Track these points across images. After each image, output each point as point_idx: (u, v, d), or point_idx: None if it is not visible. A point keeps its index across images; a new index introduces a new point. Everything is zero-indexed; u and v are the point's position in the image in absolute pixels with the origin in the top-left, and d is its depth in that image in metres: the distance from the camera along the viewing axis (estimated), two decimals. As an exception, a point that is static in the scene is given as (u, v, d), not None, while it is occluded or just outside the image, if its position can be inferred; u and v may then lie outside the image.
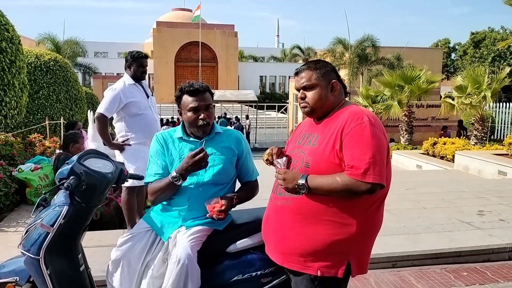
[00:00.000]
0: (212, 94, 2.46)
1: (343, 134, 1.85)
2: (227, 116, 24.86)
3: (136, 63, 3.95)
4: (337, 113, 1.97)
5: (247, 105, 27.40)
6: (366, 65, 29.33)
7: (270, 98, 38.83)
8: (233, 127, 21.35)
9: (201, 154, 2.18)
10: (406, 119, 14.71)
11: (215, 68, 38.77)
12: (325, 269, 1.87)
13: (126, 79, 3.95)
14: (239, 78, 39.71)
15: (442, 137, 12.81)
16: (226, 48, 38.36)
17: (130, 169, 3.81)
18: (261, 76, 43.10)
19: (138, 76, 3.99)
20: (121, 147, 3.88)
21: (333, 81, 2.00)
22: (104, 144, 6.51)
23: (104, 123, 3.84)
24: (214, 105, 2.54)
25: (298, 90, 2.05)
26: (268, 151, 2.09)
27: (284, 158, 2.01)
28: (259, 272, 2.23)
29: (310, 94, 2.00)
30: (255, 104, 25.11)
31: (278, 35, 76.66)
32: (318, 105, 1.99)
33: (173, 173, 2.24)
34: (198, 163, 2.18)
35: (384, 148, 1.85)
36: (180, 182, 2.25)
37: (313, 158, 1.91)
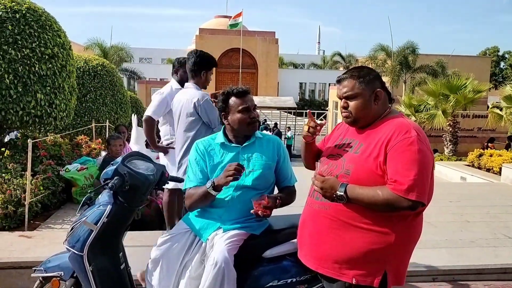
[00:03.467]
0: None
1: (389, 147, 1.81)
2: (267, 123, 24.91)
3: (183, 69, 4.03)
4: (382, 123, 1.92)
5: (286, 112, 27.36)
6: (409, 73, 28.65)
7: (310, 105, 38.63)
8: (273, 133, 21.37)
9: (237, 167, 2.19)
10: (450, 129, 14.22)
11: (255, 75, 39.04)
12: (360, 278, 1.83)
13: (173, 84, 4.07)
14: (279, 84, 39.78)
15: (489, 149, 12.30)
16: (267, 54, 38.56)
17: (173, 171, 3.91)
18: (300, 83, 43.02)
19: (185, 81, 4.09)
20: (165, 150, 3.99)
21: (377, 90, 1.93)
22: (147, 147, 6.72)
23: (151, 126, 3.95)
24: None
25: (340, 98, 2.00)
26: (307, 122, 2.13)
27: (321, 165, 2.01)
28: (294, 279, 2.23)
29: (352, 104, 1.94)
30: (294, 111, 25.04)
31: (319, 42, 76.30)
32: (361, 115, 1.94)
33: (210, 183, 2.29)
34: (233, 172, 2.19)
35: (429, 165, 1.80)
36: (214, 192, 2.29)
37: (355, 166, 1.88)
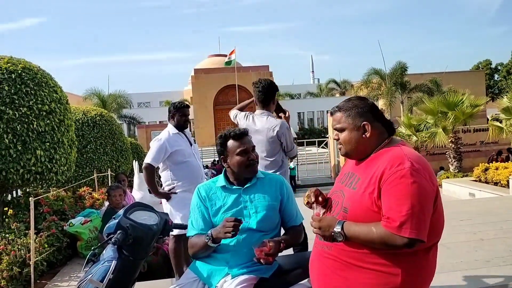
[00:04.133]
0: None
1: (382, 181, 1.72)
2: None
3: (179, 113, 4.11)
4: (379, 154, 1.85)
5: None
6: (405, 93, 28.91)
7: (310, 134, 38.72)
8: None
9: (237, 223, 2.17)
10: (453, 145, 14.17)
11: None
12: None
13: (170, 128, 4.09)
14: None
15: (498, 162, 12.20)
16: (262, 88, 39.00)
17: (177, 217, 3.87)
18: (298, 113, 43.28)
19: (182, 124, 4.14)
20: (167, 196, 3.97)
21: (364, 123, 1.86)
22: (150, 193, 6.67)
23: (152, 173, 3.95)
24: None
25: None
26: (307, 193, 2.03)
27: (319, 207, 1.95)
28: (309, 321, 2.15)
29: (341, 137, 1.92)
30: (295, 141, 25.14)
31: (313, 71, 77.23)
32: (349, 148, 1.91)
33: (208, 235, 2.26)
34: (232, 229, 2.15)
35: (427, 197, 1.69)
36: (213, 245, 2.27)
37: (351, 204, 1.81)
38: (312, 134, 37.91)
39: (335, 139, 1.97)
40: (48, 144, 5.36)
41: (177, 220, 3.84)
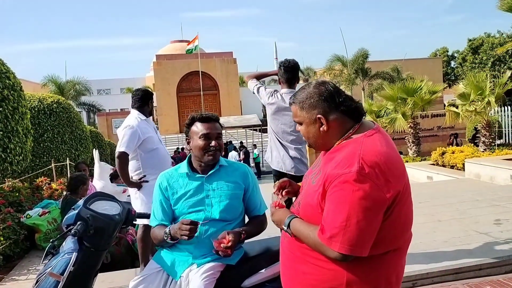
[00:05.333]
0: (221, 126, 2.47)
1: (327, 184, 1.55)
2: (234, 143, 24.86)
3: (151, 100, 4.11)
4: (341, 146, 1.65)
5: (251, 130, 27.48)
6: (366, 80, 29.50)
7: (274, 121, 38.90)
8: (241, 152, 21.32)
9: (193, 226, 2.13)
10: (412, 130, 14.61)
11: (217, 96, 39.10)
12: None
13: (138, 115, 3.96)
14: (241, 103, 39.97)
15: (451, 145, 12.69)
16: (226, 75, 38.76)
17: (150, 205, 3.79)
18: (263, 100, 43.36)
19: (151, 111, 4.09)
20: (139, 185, 3.86)
21: (318, 116, 1.66)
22: (111, 182, 6.50)
23: (126, 162, 3.81)
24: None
25: None
26: (276, 183, 1.97)
27: (278, 196, 1.91)
28: (276, 307, 2.16)
29: (301, 129, 1.77)
30: (259, 127, 25.16)
31: (276, 58, 77.30)
32: (310, 142, 1.76)
33: (166, 232, 2.23)
34: (188, 232, 2.12)
35: (371, 207, 1.48)
36: (171, 241, 2.24)
37: (304, 199, 1.72)
38: (276, 121, 38.07)
39: (297, 130, 1.84)
40: (1, 133, 5.12)
41: (149, 209, 3.75)
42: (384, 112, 15.08)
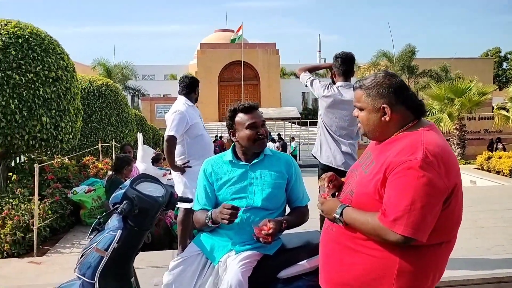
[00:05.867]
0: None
1: (389, 169, 1.58)
2: (272, 135, 24.84)
3: (198, 87, 4.19)
4: (398, 138, 1.70)
5: (290, 122, 27.37)
6: (412, 78, 28.64)
7: (313, 114, 38.59)
8: (278, 144, 21.29)
9: (234, 211, 2.16)
10: (457, 132, 14.16)
11: (257, 86, 39.13)
12: None
13: (185, 101, 4.04)
14: (281, 95, 39.82)
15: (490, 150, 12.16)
16: (268, 66, 38.68)
17: (193, 190, 3.87)
18: (303, 93, 43.01)
19: (195, 98, 4.16)
20: (183, 169, 3.95)
21: (383, 106, 1.70)
22: (153, 165, 6.68)
23: (173, 145, 3.90)
24: None
25: None
26: (322, 176, 1.96)
27: (326, 188, 1.91)
28: (311, 300, 2.17)
29: (360, 116, 1.80)
30: (298, 120, 25.02)
31: (319, 51, 76.24)
32: (367, 129, 1.80)
33: (208, 214, 2.28)
34: (229, 216, 2.15)
35: (434, 194, 1.53)
36: (213, 225, 2.28)
37: (358, 188, 1.73)
38: (316, 115, 37.64)
39: (354, 116, 1.87)
40: (54, 111, 5.35)
41: (191, 194, 3.84)
42: (430, 112, 14.61)
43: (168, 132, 3.87)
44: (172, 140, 3.87)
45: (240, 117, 2.40)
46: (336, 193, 1.95)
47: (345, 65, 3.69)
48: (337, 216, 1.71)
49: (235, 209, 2.16)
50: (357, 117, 1.84)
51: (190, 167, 3.92)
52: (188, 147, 3.97)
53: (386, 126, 1.73)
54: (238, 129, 2.40)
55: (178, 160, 3.99)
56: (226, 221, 2.15)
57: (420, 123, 1.73)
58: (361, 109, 1.79)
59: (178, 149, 3.99)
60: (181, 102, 4.02)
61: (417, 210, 1.51)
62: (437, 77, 27.15)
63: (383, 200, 1.59)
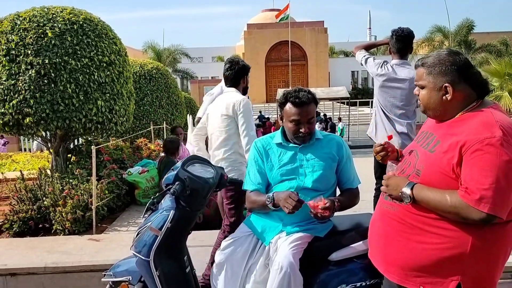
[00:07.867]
0: (316, 104, 2.41)
1: (465, 148, 1.57)
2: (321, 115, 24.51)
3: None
4: (465, 117, 1.68)
5: (339, 102, 26.86)
6: (470, 53, 27.14)
7: (363, 94, 37.63)
8: (325, 125, 21.00)
9: (297, 204, 2.13)
10: (518, 110, 13.31)
11: (305, 66, 38.58)
12: (429, 286, 1.67)
13: (223, 84, 4.03)
14: (330, 75, 39.07)
15: None
16: (316, 45, 37.96)
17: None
18: (352, 72, 41.97)
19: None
20: None
21: (445, 84, 1.68)
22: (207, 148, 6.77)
23: None
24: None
25: None
26: (377, 145, 1.97)
27: (392, 166, 1.87)
28: (363, 283, 2.14)
29: (421, 94, 1.78)
30: (347, 100, 24.49)
31: (370, 28, 73.77)
32: (428, 108, 1.77)
33: (270, 198, 2.26)
34: (291, 207, 2.13)
35: None
36: (273, 208, 2.27)
37: (426, 167, 1.69)
38: (365, 94, 36.80)
39: (415, 94, 1.83)
40: (108, 95, 5.54)
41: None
42: (488, 89, 13.82)
43: (198, 114, 3.85)
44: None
45: (288, 107, 2.36)
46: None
47: (400, 43, 3.53)
48: (407, 192, 1.67)
49: (300, 202, 2.15)
50: (418, 95, 1.80)
51: None
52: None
53: (448, 105, 1.71)
54: (284, 117, 2.39)
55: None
56: (287, 210, 2.14)
57: (484, 103, 1.70)
58: (422, 87, 1.77)
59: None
60: (219, 85, 3.95)
61: (502, 189, 1.51)
62: (497, 52, 25.56)
63: (461, 179, 1.57)
